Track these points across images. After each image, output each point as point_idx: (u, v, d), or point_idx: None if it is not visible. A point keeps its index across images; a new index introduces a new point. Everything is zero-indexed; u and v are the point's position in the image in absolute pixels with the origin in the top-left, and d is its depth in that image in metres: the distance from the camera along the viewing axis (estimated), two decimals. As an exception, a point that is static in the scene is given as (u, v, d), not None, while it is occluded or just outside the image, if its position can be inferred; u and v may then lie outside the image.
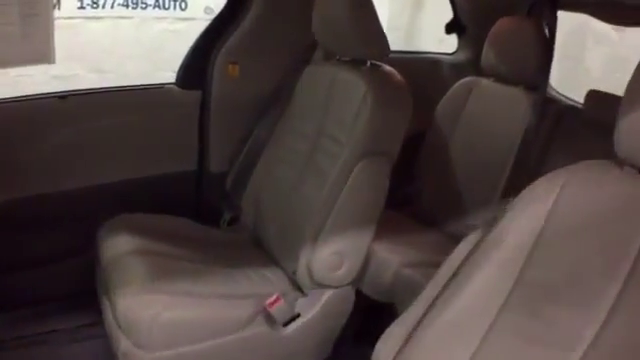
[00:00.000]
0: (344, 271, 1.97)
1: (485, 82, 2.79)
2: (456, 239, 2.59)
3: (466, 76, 2.95)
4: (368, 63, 2.12)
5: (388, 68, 2.12)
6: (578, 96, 2.96)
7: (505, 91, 2.69)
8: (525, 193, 1.31)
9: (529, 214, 1.26)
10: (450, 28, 3.22)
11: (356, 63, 2.13)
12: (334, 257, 1.94)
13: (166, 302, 1.78)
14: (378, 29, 2.05)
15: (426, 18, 5.40)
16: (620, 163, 1.22)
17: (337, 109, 2.11)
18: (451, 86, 2.92)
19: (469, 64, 3.24)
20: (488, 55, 2.73)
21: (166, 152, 2.49)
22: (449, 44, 3.36)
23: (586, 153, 2.42)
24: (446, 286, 1.32)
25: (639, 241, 1.14)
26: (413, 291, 2.21)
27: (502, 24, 2.69)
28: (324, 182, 2.00)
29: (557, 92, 2.96)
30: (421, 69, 3.11)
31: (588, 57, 4.94)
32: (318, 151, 2.14)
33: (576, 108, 2.64)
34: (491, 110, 2.72)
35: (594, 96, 2.46)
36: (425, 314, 1.32)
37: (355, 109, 1.99)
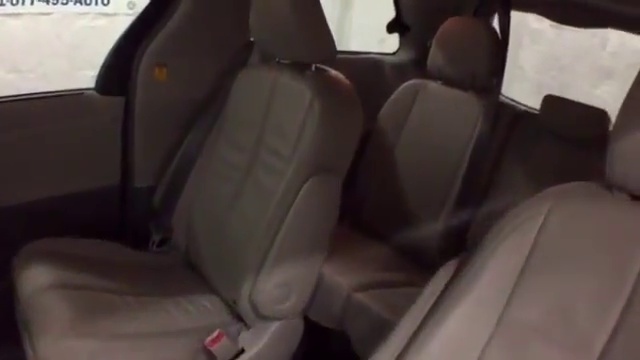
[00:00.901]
0: (292, 303, 1.76)
1: (432, 85, 2.64)
2: (405, 253, 2.50)
3: (409, 77, 2.81)
4: (313, 67, 1.90)
5: (335, 73, 1.92)
6: (511, 94, 2.97)
7: (454, 95, 2.54)
8: (507, 221, 1.19)
9: (511, 246, 1.16)
10: (392, 27, 3.06)
11: (299, 67, 1.91)
12: (281, 289, 1.74)
13: (93, 349, 1.59)
14: (324, 29, 1.84)
15: (356, 17, 5.28)
16: (609, 186, 1.13)
17: (278, 119, 1.89)
18: (393, 87, 2.77)
19: (411, 65, 3.10)
20: (436, 57, 2.57)
21: (86, 166, 2.22)
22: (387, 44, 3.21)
23: (543, 159, 2.34)
24: (422, 324, 1.21)
25: (632, 276, 1.05)
26: (365, 316, 2.08)
27: (451, 24, 2.54)
28: (266, 201, 1.79)
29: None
30: (361, 70, 2.93)
31: (522, 56, 4.90)
32: (258, 165, 1.92)
33: (531, 113, 2.51)
34: (440, 115, 2.57)
35: (550, 101, 2.34)
36: (401, 354, 1.21)
37: (300, 120, 1.78)
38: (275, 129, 1.89)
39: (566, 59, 4.83)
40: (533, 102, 2.63)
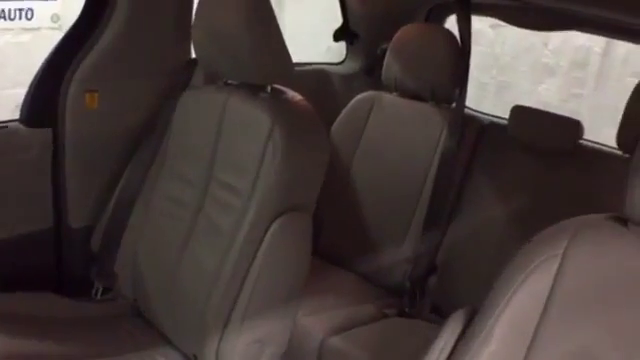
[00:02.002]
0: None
1: (388, 97, 2.48)
2: (372, 280, 2.33)
3: (358, 88, 2.65)
4: (268, 88, 1.69)
5: (293, 94, 1.72)
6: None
7: (414, 107, 2.39)
8: (521, 262, 1.09)
9: (527, 293, 1.07)
10: (339, 35, 2.87)
11: (252, 88, 1.71)
12: (253, 346, 1.54)
13: None
14: (280, 45, 1.65)
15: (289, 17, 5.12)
16: (624, 220, 1.07)
17: (231, 149, 1.68)
18: (343, 100, 2.61)
19: (361, 75, 2.95)
20: (391, 67, 2.41)
21: (14, 208, 1.94)
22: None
23: (514, 173, 2.20)
24: None
25: None
26: None
27: (407, 32, 2.39)
28: (225, 245, 1.58)
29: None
30: (306, 82, 2.73)
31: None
32: (209, 203, 1.71)
33: (498, 124, 2.37)
34: (399, 130, 2.41)
35: (519, 112, 2.21)
36: None
37: (258, 151, 1.57)
38: (228, 161, 1.68)
39: (507, 58, 4.79)
40: (474, 102, 2.53)
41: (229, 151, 1.68)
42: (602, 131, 2.22)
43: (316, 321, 1.99)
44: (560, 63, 4.46)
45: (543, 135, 2.15)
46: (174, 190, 1.80)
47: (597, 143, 2.24)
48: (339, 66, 3.01)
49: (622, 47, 4.10)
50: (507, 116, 2.25)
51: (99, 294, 1.95)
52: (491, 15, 2.57)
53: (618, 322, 1.02)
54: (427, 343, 1.93)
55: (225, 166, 1.68)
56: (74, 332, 1.75)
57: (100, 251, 1.95)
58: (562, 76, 4.47)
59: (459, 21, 2.27)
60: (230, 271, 1.55)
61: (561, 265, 1.06)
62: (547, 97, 4.56)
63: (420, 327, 2.13)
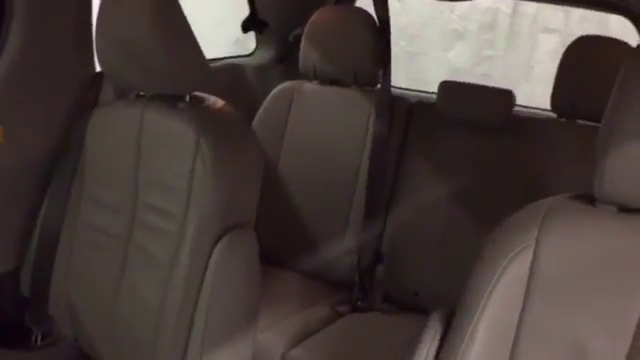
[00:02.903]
0: None
1: (309, 86, 2.37)
2: (319, 277, 2.24)
3: (273, 79, 2.54)
4: (187, 97, 1.55)
5: (214, 100, 1.59)
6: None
7: (338, 94, 2.30)
8: (495, 253, 1.08)
9: (507, 285, 1.05)
10: (247, 25, 2.74)
11: (169, 99, 1.55)
12: None
13: None
14: (194, 47, 1.51)
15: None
16: (592, 199, 1.06)
17: (156, 168, 1.53)
18: (259, 93, 2.50)
19: (274, 65, 2.83)
20: (308, 54, 2.31)
21: None
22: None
23: (448, 149, 2.14)
24: None
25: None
26: None
27: (321, 16, 2.29)
28: (166, 276, 1.45)
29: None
30: (217, 78, 2.60)
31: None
32: (140, 230, 1.55)
33: (426, 103, 2.30)
34: (325, 119, 2.32)
35: (447, 87, 2.17)
36: None
37: (186, 168, 1.44)
38: (153, 182, 1.53)
39: (414, 27, 4.79)
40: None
41: (153, 170, 1.53)
42: (518, 89, 2.17)
43: (272, 336, 1.89)
44: (468, 27, 4.50)
45: (475, 109, 2.11)
46: (99, 219, 1.64)
47: (529, 108, 2.21)
48: (250, 57, 2.89)
49: (531, 5, 4.16)
50: (422, 87, 2.19)
51: (39, 340, 1.77)
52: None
53: (601, 306, 1.01)
54: (387, 339, 1.87)
55: (151, 188, 1.53)
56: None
57: (31, 294, 1.78)
58: (472, 40, 4.51)
59: (375, 0, 2.17)
60: (177, 303, 1.42)
61: (535, 255, 1.04)
62: (458, 62, 4.59)
63: (377, 322, 2.07)
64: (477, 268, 1.08)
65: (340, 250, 2.23)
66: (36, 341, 1.77)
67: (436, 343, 1.12)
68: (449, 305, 1.17)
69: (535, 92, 3.43)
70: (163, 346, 1.44)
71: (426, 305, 1.75)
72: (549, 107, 2.10)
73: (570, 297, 1.02)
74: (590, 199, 1.06)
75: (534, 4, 3.89)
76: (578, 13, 3.85)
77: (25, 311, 1.78)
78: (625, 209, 1.03)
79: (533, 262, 1.04)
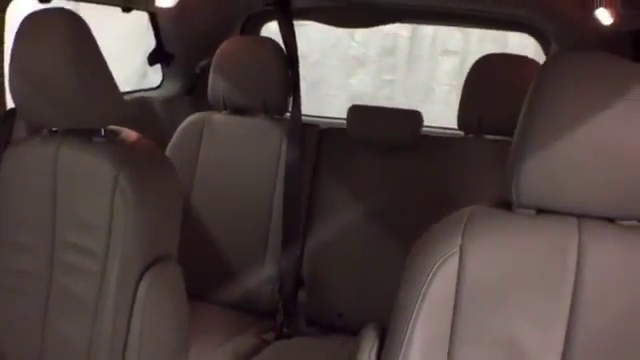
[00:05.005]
0: None
1: (218, 117, 2.37)
2: (241, 308, 2.23)
3: (181, 111, 2.52)
4: (102, 131, 1.53)
5: (129, 132, 1.58)
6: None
7: (248, 123, 2.31)
8: (419, 266, 1.11)
9: (435, 297, 1.09)
10: (154, 58, 2.72)
11: (83, 133, 1.53)
12: None
13: None
14: (109, 81, 1.50)
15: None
16: (508, 205, 1.12)
17: (73, 206, 1.50)
18: (168, 126, 2.48)
19: (181, 97, 2.82)
20: (217, 85, 2.31)
21: None
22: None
23: (360, 171, 2.19)
24: None
25: (568, 288, 1.05)
26: None
27: (229, 46, 2.30)
28: (92, 315, 1.42)
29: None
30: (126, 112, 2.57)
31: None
32: (61, 270, 1.52)
33: (337, 128, 2.34)
34: (236, 149, 2.32)
35: (356, 111, 2.22)
36: None
37: (105, 205, 1.42)
38: (72, 220, 1.50)
39: (315, 56, 4.85)
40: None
41: (71, 208, 1.50)
42: (420, 108, 2.25)
43: None
44: (369, 53, 4.60)
45: (384, 131, 2.16)
46: (16, 262, 1.59)
47: (435, 128, 2.28)
48: (157, 90, 2.86)
49: (429, 28, 4.29)
50: (327, 113, 2.23)
51: None
52: (311, 19, 2.54)
53: (530, 303, 1.06)
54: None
55: (69, 226, 1.50)
56: None
57: None
58: (372, 65, 4.61)
59: (281, 28, 2.21)
60: (107, 344, 1.39)
61: (461, 260, 1.07)
62: (360, 87, 4.69)
63: (304, 346, 2.07)
64: (406, 278, 1.11)
65: (261, 278, 2.22)
66: None
67: (374, 355, 1.14)
68: (374, 322, 1.20)
69: (435, 112, 3.54)
70: None
71: (351, 325, 1.77)
72: (450, 125, 2.18)
73: (499, 297, 1.07)
74: (508, 205, 1.11)
75: (433, 27, 4.05)
76: (476, 34, 4.01)
77: None
78: (542, 211, 1.09)
79: (460, 267, 1.07)
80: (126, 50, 3.00)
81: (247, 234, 2.27)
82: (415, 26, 4.25)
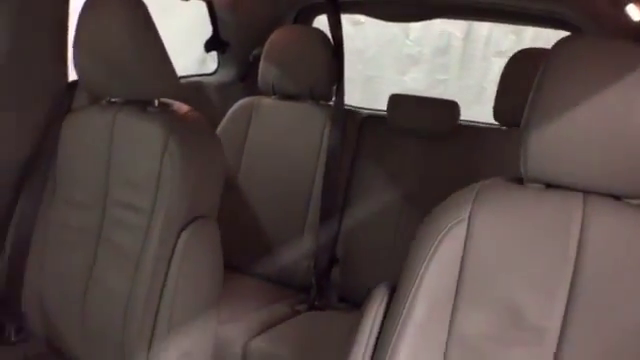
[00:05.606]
0: None
1: (267, 101, 2.51)
2: (277, 281, 2.36)
3: (234, 97, 2.67)
4: (156, 102, 1.68)
5: (180, 105, 1.72)
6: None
7: (294, 108, 2.44)
8: (429, 231, 1.16)
9: (442, 259, 1.14)
10: (210, 45, 2.87)
11: (139, 104, 1.69)
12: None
13: None
14: (164, 57, 1.64)
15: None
16: (519, 180, 1.17)
17: (126, 167, 1.65)
18: (220, 111, 2.62)
19: (235, 83, 2.97)
20: (267, 72, 2.45)
21: None
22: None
23: (398, 159, 2.30)
24: (375, 354, 1.18)
25: (571, 259, 1.09)
26: None
27: (279, 36, 2.43)
28: (134, 266, 1.56)
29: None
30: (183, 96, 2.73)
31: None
32: (110, 225, 1.67)
33: (378, 116, 2.46)
34: (282, 131, 2.45)
35: (396, 100, 2.32)
36: None
37: (155, 166, 1.56)
38: (123, 180, 1.65)
39: (370, 52, 4.94)
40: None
41: (123, 169, 1.65)
42: (470, 110, 2.34)
43: (234, 327, 2.00)
44: (423, 51, 4.66)
45: (422, 119, 2.26)
46: (70, 217, 1.75)
47: (474, 122, 2.36)
48: (212, 76, 3.01)
49: (483, 29, 4.33)
50: (378, 108, 2.33)
51: (12, 336, 1.84)
52: (358, 12, 2.66)
53: (533, 270, 1.10)
54: (343, 332, 1.98)
55: (121, 185, 1.65)
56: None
57: (5, 292, 1.86)
58: (426, 63, 4.67)
59: (330, 20, 2.33)
60: (144, 291, 1.53)
61: (469, 227, 1.12)
62: (413, 86, 4.75)
63: (333, 317, 2.19)
64: (416, 240, 1.17)
65: (297, 254, 2.35)
66: (9, 336, 1.84)
67: (379, 319, 1.19)
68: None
69: (485, 113, 3.60)
70: (132, 332, 1.54)
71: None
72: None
73: (503, 263, 1.11)
74: (519, 180, 1.16)
75: (486, 28, 4.09)
76: (530, 35, 4.04)
77: None
78: (551, 185, 1.13)
79: (467, 233, 1.12)
80: (187, 41, 3.16)
81: (288, 212, 2.40)
82: (469, 26, 4.31)
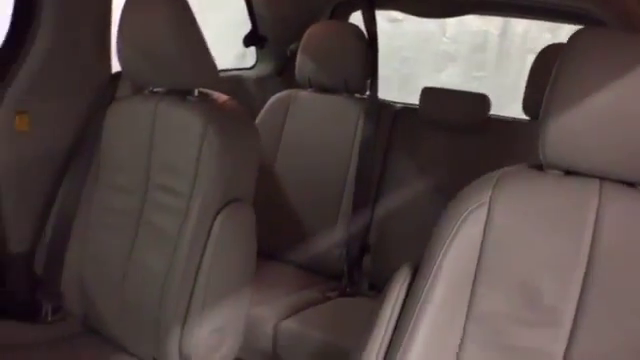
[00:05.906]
0: (228, 347, 1.64)
1: (304, 94, 2.59)
2: (309, 269, 2.43)
3: (272, 90, 2.74)
4: (195, 92, 1.77)
5: (219, 95, 1.80)
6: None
7: (330, 100, 2.51)
8: (450, 215, 1.21)
9: (462, 241, 1.17)
10: (249, 40, 2.96)
11: (179, 93, 1.78)
12: (213, 337, 1.61)
13: None
14: (203, 49, 1.72)
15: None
16: (539, 167, 1.20)
17: (166, 153, 1.74)
18: (258, 103, 2.71)
19: (273, 77, 3.05)
20: (304, 65, 2.53)
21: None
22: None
23: (430, 151, 2.35)
24: (394, 342, 1.21)
25: (586, 243, 1.12)
26: (300, 343, 2.01)
27: (316, 30, 2.50)
28: (172, 246, 1.64)
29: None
30: (221, 88, 2.82)
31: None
32: (150, 208, 1.76)
33: (410, 109, 2.51)
34: (318, 123, 2.52)
35: (428, 93, 2.37)
36: None
37: (194, 152, 1.64)
38: (164, 165, 1.74)
39: (407, 50, 4.97)
40: (379, 95, 2.64)
41: (164, 155, 1.74)
42: (506, 108, 2.38)
43: (266, 309, 2.07)
44: (459, 49, 4.68)
45: (453, 112, 2.31)
46: (112, 201, 1.85)
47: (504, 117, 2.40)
48: (251, 70, 3.10)
49: (519, 26, 4.33)
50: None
51: (49, 315, 1.94)
52: (392, 8, 2.71)
53: (550, 252, 1.13)
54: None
55: (162, 170, 1.74)
56: (28, 356, 1.76)
57: (44, 273, 1.95)
58: (462, 61, 4.69)
59: (364, 16, 2.40)
60: (181, 269, 1.61)
61: (489, 211, 1.15)
62: (449, 83, 4.77)
63: (363, 303, 2.24)
64: (438, 223, 1.21)
65: (330, 243, 2.41)
66: (46, 315, 1.93)
67: (402, 297, 1.22)
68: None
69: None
70: (168, 309, 1.63)
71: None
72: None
73: (522, 245, 1.14)
74: (539, 167, 1.19)
75: (523, 25, 4.09)
76: (565, 33, 4.01)
77: (36, 289, 1.95)
78: (570, 172, 1.16)
79: (488, 217, 1.15)
80: (228, 36, 3.26)
81: (321, 202, 2.47)
82: (505, 23, 4.33)
